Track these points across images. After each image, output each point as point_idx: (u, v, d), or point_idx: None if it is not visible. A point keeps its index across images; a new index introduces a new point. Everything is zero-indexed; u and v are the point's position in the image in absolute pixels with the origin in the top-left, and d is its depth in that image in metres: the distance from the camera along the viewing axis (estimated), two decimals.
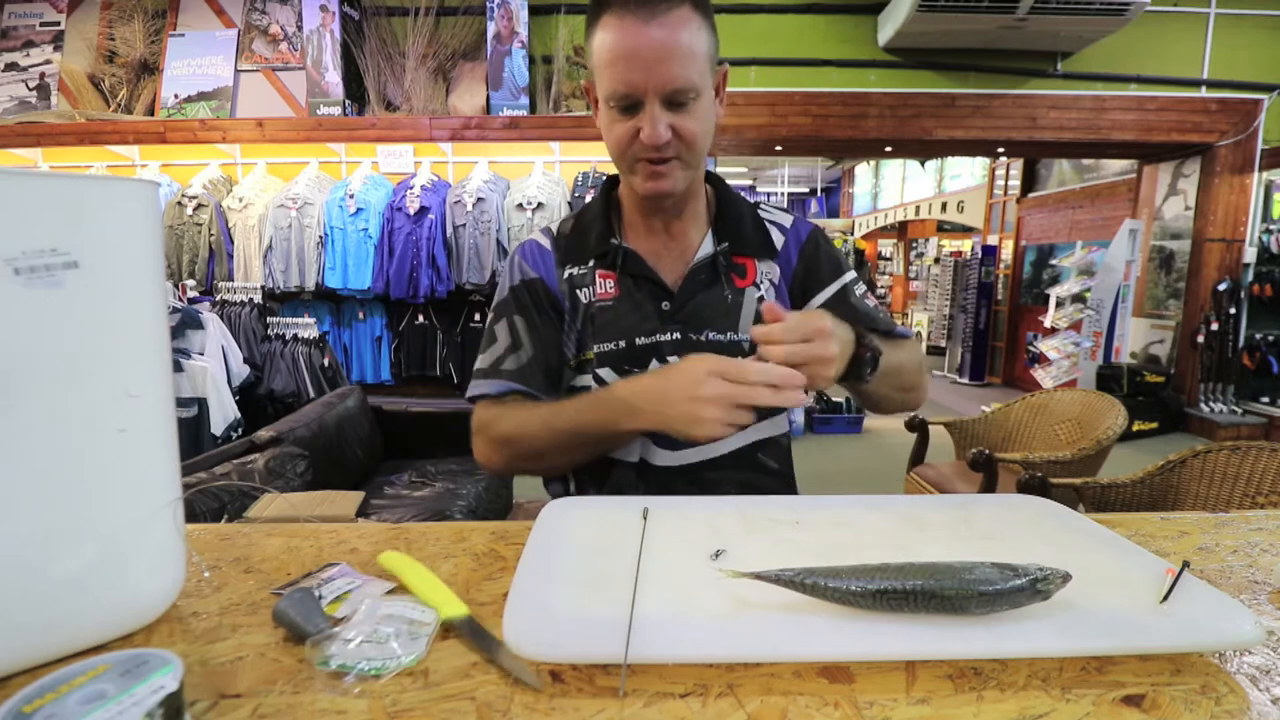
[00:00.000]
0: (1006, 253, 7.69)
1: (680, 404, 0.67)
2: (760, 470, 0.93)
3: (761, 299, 0.90)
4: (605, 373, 0.87)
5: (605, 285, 0.88)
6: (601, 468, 0.88)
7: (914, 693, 0.42)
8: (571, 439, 0.80)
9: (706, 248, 0.91)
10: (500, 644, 0.45)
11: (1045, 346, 5.75)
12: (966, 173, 9.45)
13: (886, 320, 0.95)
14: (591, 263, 0.89)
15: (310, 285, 4.10)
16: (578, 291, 0.89)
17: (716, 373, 0.66)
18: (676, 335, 0.87)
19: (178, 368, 2.70)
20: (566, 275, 0.90)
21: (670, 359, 0.86)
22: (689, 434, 0.68)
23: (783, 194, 16.63)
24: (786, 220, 0.97)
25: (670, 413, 0.68)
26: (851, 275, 0.95)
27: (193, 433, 2.70)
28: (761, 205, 0.98)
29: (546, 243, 0.93)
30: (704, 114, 0.79)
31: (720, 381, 0.66)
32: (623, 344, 0.87)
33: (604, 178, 4.12)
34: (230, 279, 4.12)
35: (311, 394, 3.56)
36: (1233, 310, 4.84)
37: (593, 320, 0.88)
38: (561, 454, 0.83)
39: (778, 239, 0.94)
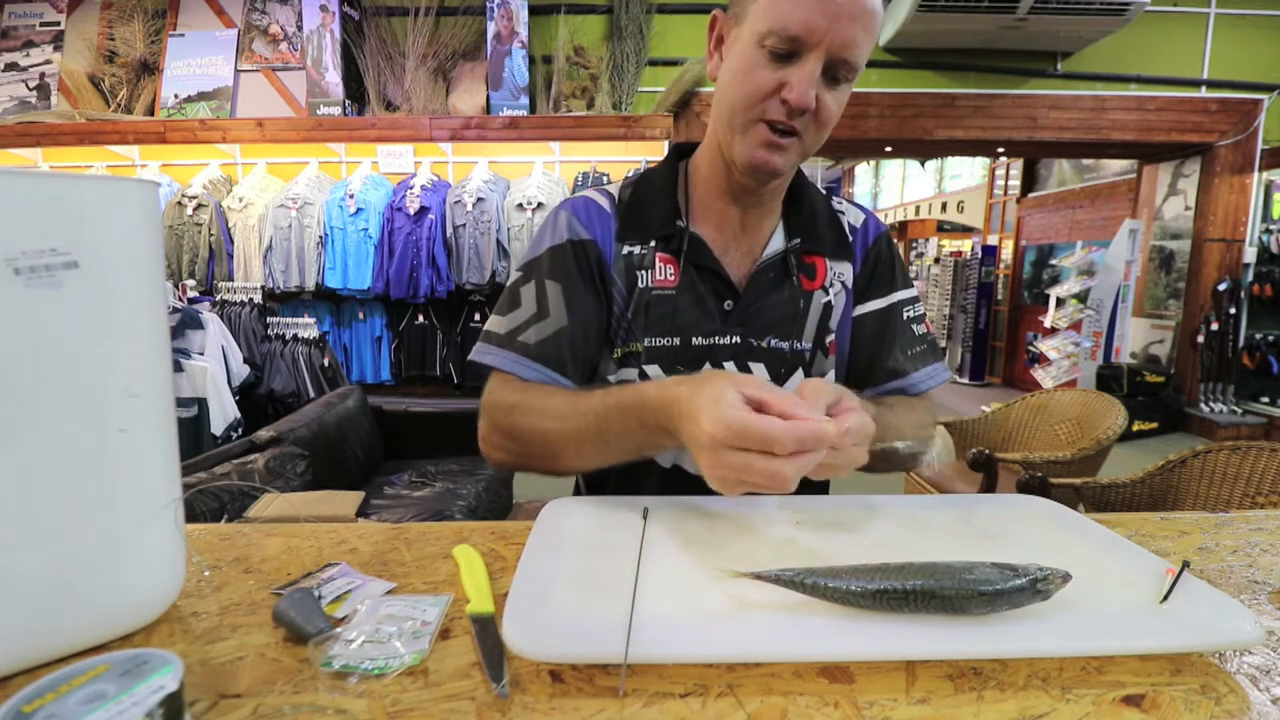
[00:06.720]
0: (1006, 253, 7.70)
1: (702, 446, 0.53)
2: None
3: (829, 304, 0.81)
4: (653, 370, 0.77)
5: (665, 271, 0.78)
6: (626, 469, 0.76)
7: (914, 693, 0.42)
8: (594, 445, 0.68)
9: (777, 243, 0.81)
10: (503, 651, 0.45)
11: (1045, 346, 5.75)
12: (966, 173, 9.45)
13: (921, 356, 0.84)
14: (653, 243, 0.79)
15: (310, 285, 4.10)
16: (638, 273, 0.78)
17: (738, 433, 0.51)
18: (736, 339, 0.78)
19: (178, 368, 2.70)
20: (625, 252, 0.79)
21: (726, 365, 0.78)
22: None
23: None
24: (859, 218, 0.88)
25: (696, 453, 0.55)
26: (909, 293, 0.86)
27: (193, 433, 2.70)
28: (835, 197, 0.88)
29: (607, 205, 0.81)
30: (845, 101, 0.70)
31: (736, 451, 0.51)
32: (678, 341, 0.77)
33: (604, 178, 4.15)
34: (230, 279, 4.12)
35: (311, 394, 3.56)
36: (1233, 310, 4.85)
37: (647, 309, 0.77)
38: (581, 459, 0.70)
39: (850, 236, 0.85)
